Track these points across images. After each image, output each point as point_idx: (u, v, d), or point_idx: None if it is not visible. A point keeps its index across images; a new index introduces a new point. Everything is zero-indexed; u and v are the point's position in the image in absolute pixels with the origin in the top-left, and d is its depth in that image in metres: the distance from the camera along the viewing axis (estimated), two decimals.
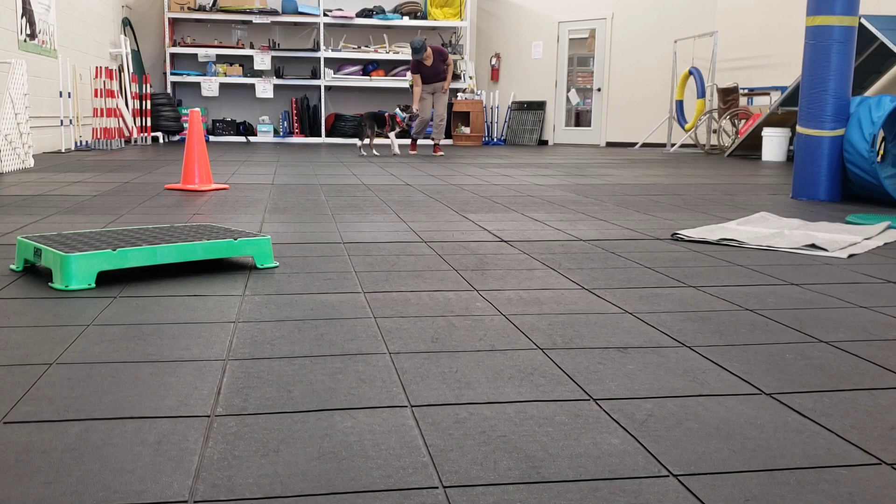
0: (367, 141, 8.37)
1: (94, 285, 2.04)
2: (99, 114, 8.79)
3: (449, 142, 12.01)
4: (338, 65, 11.74)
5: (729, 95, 9.33)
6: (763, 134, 8.54)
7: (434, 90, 8.28)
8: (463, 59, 11.82)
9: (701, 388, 1.31)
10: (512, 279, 2.22)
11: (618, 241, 2.92)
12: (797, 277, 2.29)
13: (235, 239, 2.27)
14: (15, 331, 1.61)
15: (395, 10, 11.66)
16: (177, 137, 10.82)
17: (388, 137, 8.36)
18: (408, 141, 10.85)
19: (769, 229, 3.19)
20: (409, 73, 11.57)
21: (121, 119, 9.35)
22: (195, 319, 1.72)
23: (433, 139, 8.71)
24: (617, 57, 11.41)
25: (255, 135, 11.26)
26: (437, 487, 0.92)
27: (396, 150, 8.53)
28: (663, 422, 1.16)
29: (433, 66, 8.15)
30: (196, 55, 11.21)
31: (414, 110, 8.15)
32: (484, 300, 1.95)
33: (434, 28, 12.02)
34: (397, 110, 8.15)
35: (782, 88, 8.95)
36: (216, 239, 2.26)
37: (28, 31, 7.33)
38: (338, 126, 11.46)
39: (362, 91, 11.96)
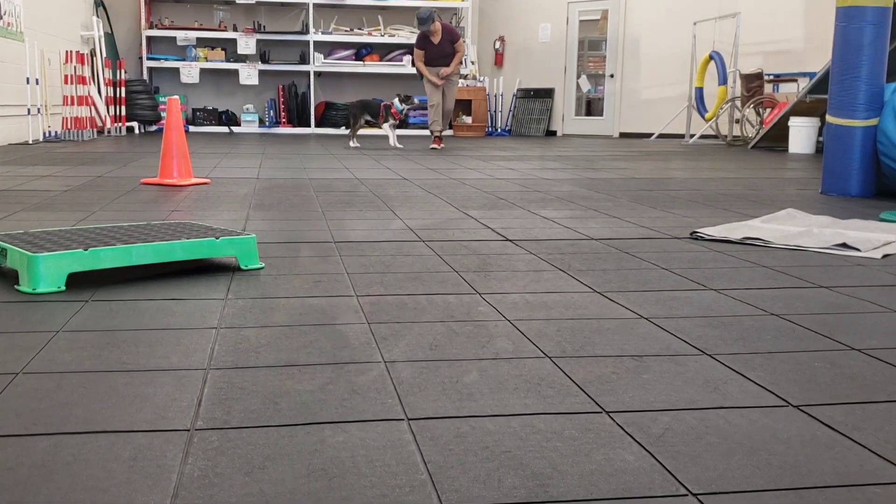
0: (353, 131, 8.25)
1: (63, 288, 2.04)
2: (69, 102, 8.79)
3: (449, 132, 12.01)
4: (328, 49, 11.74)
5: (753, 82, 9.34)
6: (790, 124, 8.54)
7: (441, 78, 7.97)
8: (464, 42, 11.83)
9: (722, 400, 1.31)
10: (517, 281, 2.22)
11: (632, 241, 2.92)
12: (827, 279, 2.29)
13: (217, 238, 2.27)
14: None
15: None
16: (154, 128, 10.83)
17: (381, 129, 8.22)
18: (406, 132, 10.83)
19: (796, 227, 3.20)
20: (405, 58, 11.56)
21: (93, 108, 9.36)
22: (174, 325, 1.72)
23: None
24: (631, 40, 11.41)
25: (239, 125, 11.26)
26: None
27: (395, 143, 8.22)
28: (682, 436, 1.16)
29: (440, 45, 7.64)
30: (174, 38, 11.22)
31: (435, 78, 7.63)
32: (487, 304, 1.96)
33: (433, 9, 12.02)
34: (395, 100, 7.90)
35: (811, 74, 8.96)
36: (196, 238, 2.26)
37: None
38: (328, 115, 11.45)
39: (355, 77, 11.95)
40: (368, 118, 8.14)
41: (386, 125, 8.06)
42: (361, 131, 8.61)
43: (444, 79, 7.76)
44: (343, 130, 10.79)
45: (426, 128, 10.49)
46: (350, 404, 1.28)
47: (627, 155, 7.99)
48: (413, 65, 8.64)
